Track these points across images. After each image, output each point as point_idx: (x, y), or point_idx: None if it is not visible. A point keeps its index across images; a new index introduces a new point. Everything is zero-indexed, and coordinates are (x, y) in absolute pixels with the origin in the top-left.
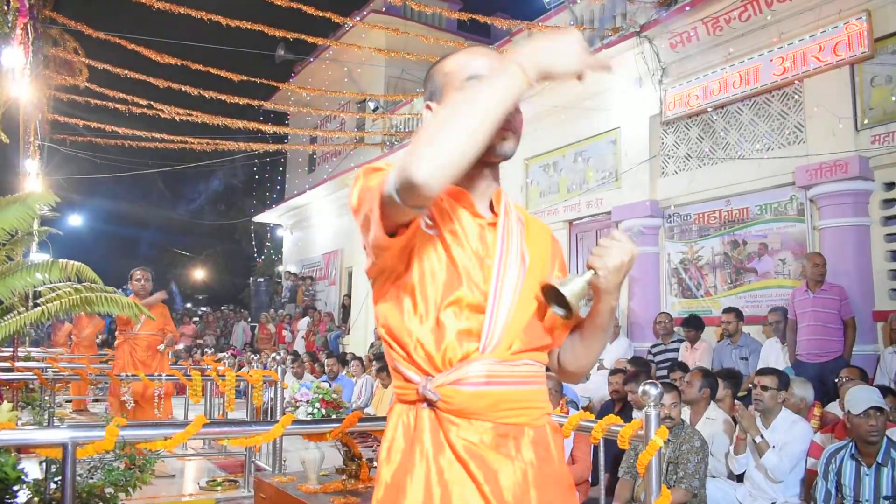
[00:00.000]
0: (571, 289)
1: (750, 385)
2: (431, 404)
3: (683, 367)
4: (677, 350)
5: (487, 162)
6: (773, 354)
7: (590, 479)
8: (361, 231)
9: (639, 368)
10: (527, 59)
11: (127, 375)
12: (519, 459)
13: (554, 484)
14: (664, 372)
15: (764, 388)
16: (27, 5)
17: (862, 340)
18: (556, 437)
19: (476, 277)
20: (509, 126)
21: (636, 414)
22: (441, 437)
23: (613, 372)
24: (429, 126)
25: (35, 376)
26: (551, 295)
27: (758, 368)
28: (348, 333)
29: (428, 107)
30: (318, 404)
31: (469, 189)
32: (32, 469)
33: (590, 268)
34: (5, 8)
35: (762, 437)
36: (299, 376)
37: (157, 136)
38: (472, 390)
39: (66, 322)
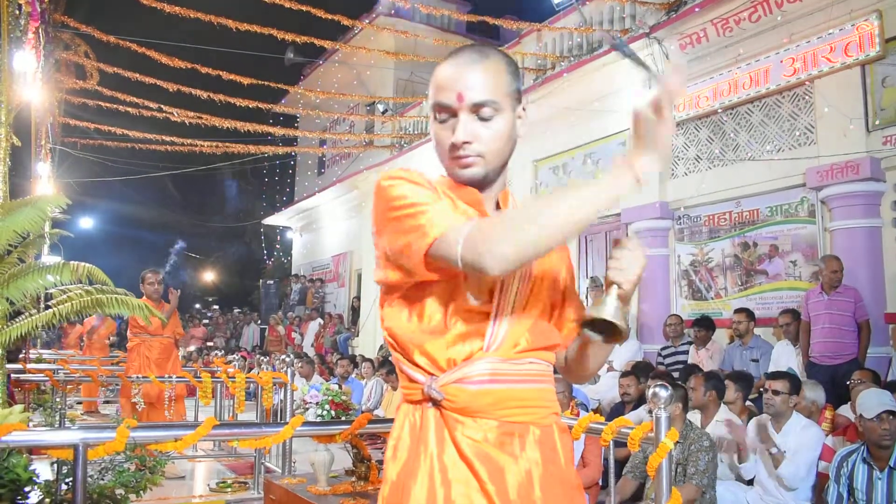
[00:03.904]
0: (611, 312)
1: (761, 389)
2: (437, 403)
3: (696, 370)
4: (687, 352)
5: None
6: (785, 356)
7: (600, 483)
8: (381, 243)
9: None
10: (642, 166)
11: (138, 377)
12: (524, 458)
13: (560, 483)
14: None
15: (775, 392)
16: (39, 10)
17: (874, 343)
18: (564, 437)
19: (481, 280)
20: None
21: (645, 416)
22: (445, 436)
23: (624, 374)
24: (519, 217)
25: (47, 378)
26: (596, 325)
27: (769, 372)
28: (357, 336)
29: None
30: (327, 406)
31: (480, 188)
32: (44, 470)
33: (612, 283)
34: (17, 12)
35: (777, 448)
36: (308, 377)
37: (167, 139)
38: (476, 388)
39: (78, 324)
